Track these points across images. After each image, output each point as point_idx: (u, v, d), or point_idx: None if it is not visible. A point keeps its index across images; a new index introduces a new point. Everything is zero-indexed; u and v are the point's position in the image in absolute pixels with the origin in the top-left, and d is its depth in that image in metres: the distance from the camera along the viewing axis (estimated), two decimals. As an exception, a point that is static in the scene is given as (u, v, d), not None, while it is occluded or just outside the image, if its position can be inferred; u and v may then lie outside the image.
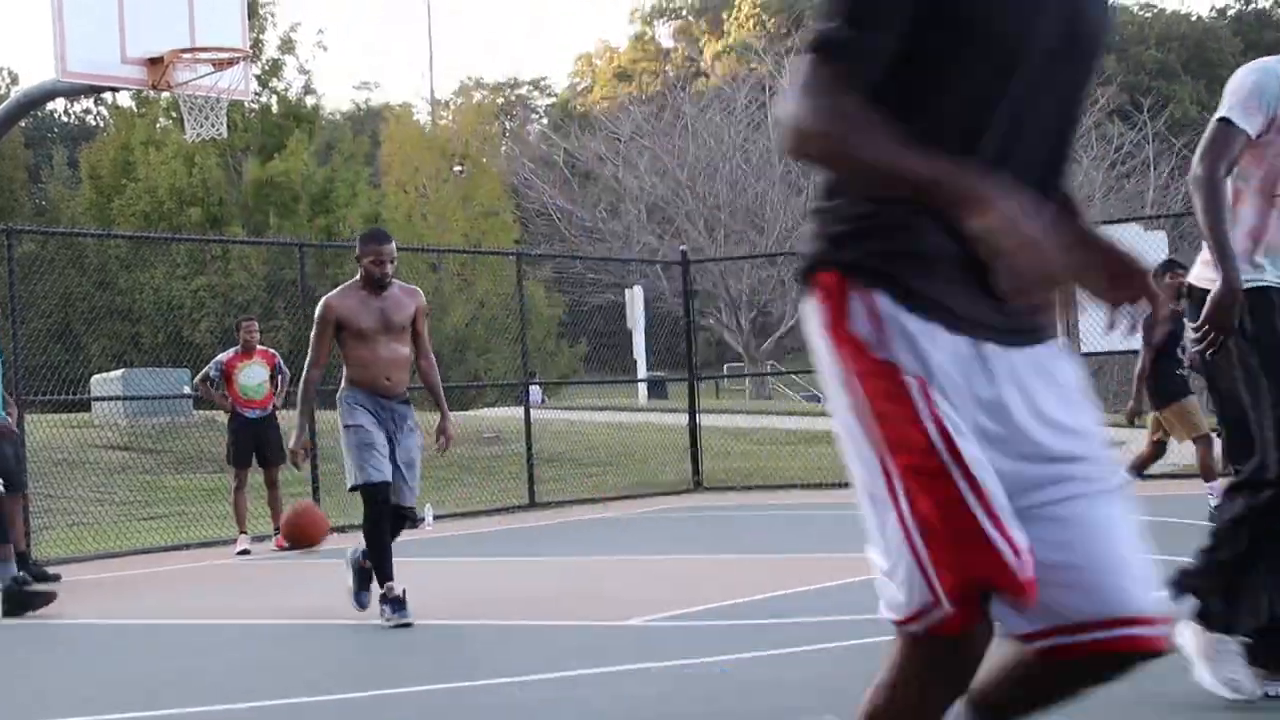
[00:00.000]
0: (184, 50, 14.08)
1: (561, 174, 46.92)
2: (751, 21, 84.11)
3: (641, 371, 35.94)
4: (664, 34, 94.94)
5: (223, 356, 14.82)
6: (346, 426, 8.76)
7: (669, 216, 44.49)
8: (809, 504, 17.34)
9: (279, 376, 14.85)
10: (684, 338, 21.93)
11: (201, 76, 14.39)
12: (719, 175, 43.56)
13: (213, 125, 14.34)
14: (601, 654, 7.47)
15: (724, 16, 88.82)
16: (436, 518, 16.39)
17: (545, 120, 76.76)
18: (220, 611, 10.35)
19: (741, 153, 43.92)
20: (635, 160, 44.63)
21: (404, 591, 8.71)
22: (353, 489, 8.85)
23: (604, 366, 47.85)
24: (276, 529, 14.25)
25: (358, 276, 8.98)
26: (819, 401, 45.42)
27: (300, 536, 13.34)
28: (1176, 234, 38.92)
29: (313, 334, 9.04)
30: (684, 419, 21.37)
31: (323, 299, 9.01)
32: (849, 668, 6.92)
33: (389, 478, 8.70)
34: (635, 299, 34.57)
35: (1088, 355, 19.26)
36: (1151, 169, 42.60)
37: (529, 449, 19.35)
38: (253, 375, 14.72)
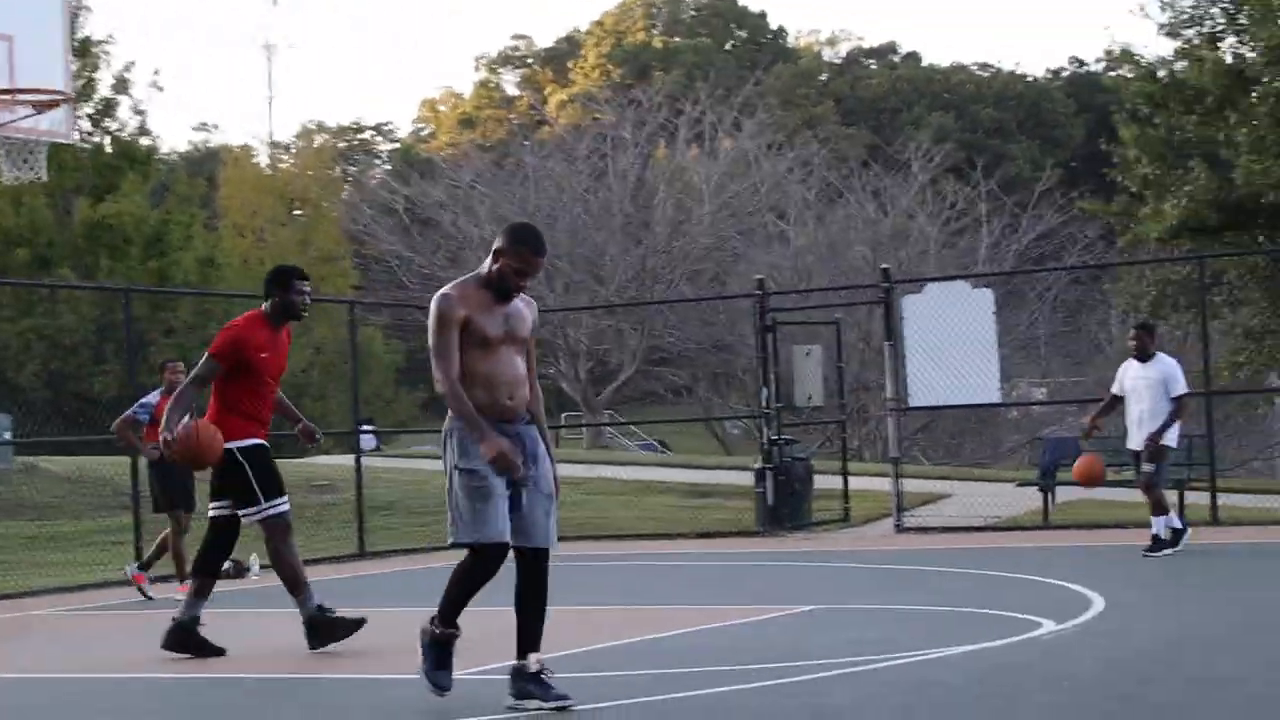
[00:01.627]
0: (2, 91, 13.68)
1: (401, 220, 46.69)
2: (597, 71, 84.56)
3: (478, 420, 35.76)
4: (509, 82, 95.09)
5: (150, 399, 14.08)
6: (458, 468, 7.23)
7: (509, 265, 44.42)
8: (641, 554, 17.36)
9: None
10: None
11: (21, 118, 13.96)
12: (559, 224, 43.63)
13: (31, 168, 13.95)
14: (427, 711, 7.39)
15: (569, 65, 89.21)
16: (264, 567, 16.14)
17: (388, 165, 76.40)
18: (37, 665, 10.08)
19: (582, 202, 44.04)
20: (476, 208, 44.56)
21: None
22: (459, 545, 7.37)
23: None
24: (182, 577, 13.84)
25: (481, 272, 7.34)
26: (656, 450, 45.66)
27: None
28: (1006, 290, 39.78)
29: (437, 337, 7.20)
30: (518, 468, 21.27)
31: (443, 293, 7.28)
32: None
33: (508, 537, 7.27)
34: (473, 347, 34.50)
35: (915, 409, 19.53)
36: (984, 226, 43.40)
37: (359, 497, 19.16)
38: None
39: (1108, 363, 40.53)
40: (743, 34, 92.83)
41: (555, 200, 44.15)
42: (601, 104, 52.57)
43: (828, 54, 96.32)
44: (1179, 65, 33.21)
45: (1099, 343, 41.97)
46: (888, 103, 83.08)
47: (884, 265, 22.51)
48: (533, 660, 7.37)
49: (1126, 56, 33.68)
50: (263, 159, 58.15)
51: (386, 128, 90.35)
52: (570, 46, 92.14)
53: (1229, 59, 32.52)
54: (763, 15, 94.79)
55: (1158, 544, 14.10)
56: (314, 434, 10.22)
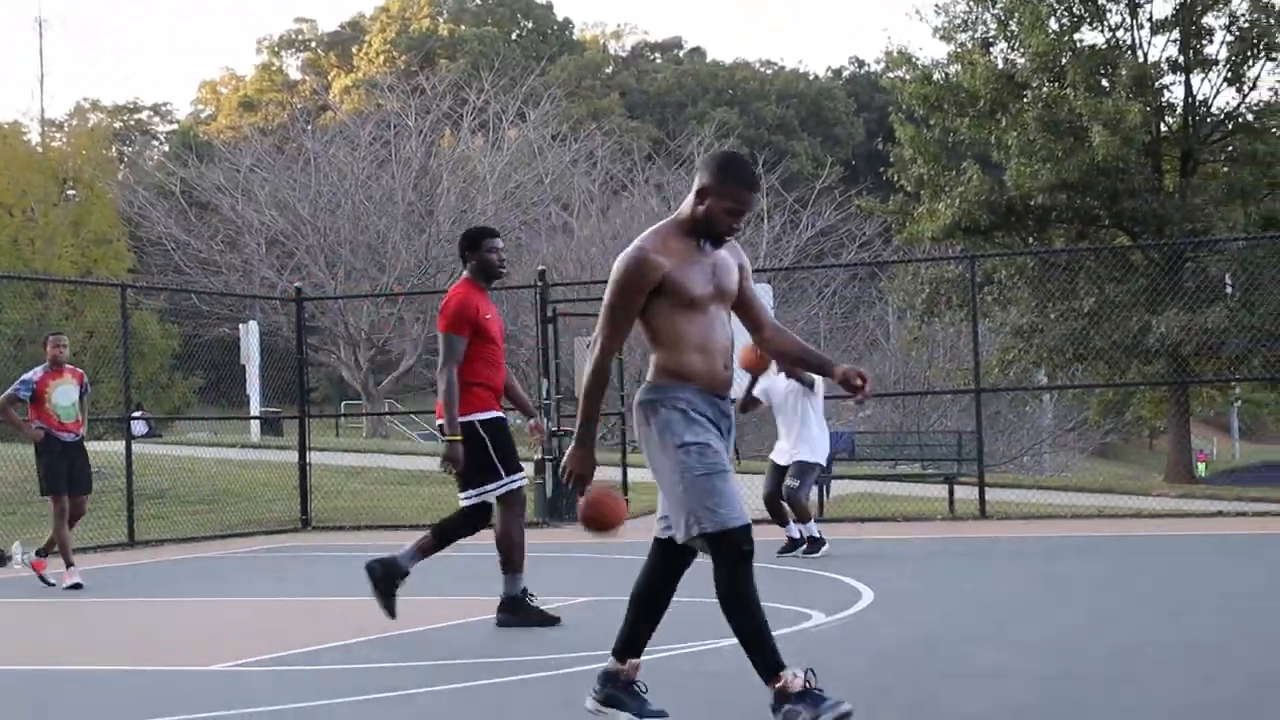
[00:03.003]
0: None
1: (179, 204, 45.74)
2: (382, 58, 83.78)
3: (255, 407, 35.30)
4: (292, 65, 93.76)
5: (31, 375, 13.34)
6: (682, 444, 5.92)
7: (289, 251, 43.82)
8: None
9: (84, 397, 13.55)
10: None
11: None
12: (341, 211, 43.14)
13: None
14: (183, 702, 7.27)
15: (354, 51, 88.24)
16: (25, 555, 15.70)
17: (166, 147, 74.79)
18: None
19: (365, 189, 43.61)
20: (256, 192, 43.85)
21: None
22: (700, 537, 5.95)
23: (220, 400, 46.79)
24: (69, 563, 13.34)
25: (682, 215, 6.07)
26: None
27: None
28: (786, 285, 40.36)
29: (617, 298, 5.97)
30: (296, 456, 21.07)
31: (637, 246, 5.99)
32: (434, 716, 6.91)
33: (749, 519, 5.99)
34: (250, 334, 33.98)
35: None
36: (765, 221, 43.93)
37: (129, 485, 18.76)
38: (66, 394, 13.36)
39: (885, 358, 41.43)
40: (529, 25, 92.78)
41: (337, 186, 43.64)
42: (386, 90, 52.10)
43: (614, 47, 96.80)
44: (953, 69, 34.06)
45: (876, 338, 42.80)
46: (672, 97, 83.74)
47: (665, 259, 22.62)
48: (790, 676, 5.90)
49: (903, 59, 34.44)
50: (34, 137, 56.48)
51: (165, 108, 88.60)
52: (355, 32, 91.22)
53: (1000, 64, 33.44)
54: (549, 7, 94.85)
55: (793, 544, 13.78)
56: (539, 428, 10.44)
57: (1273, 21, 32.43)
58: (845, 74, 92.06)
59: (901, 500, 21.63)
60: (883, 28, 62.92)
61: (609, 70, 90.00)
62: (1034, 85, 32.91)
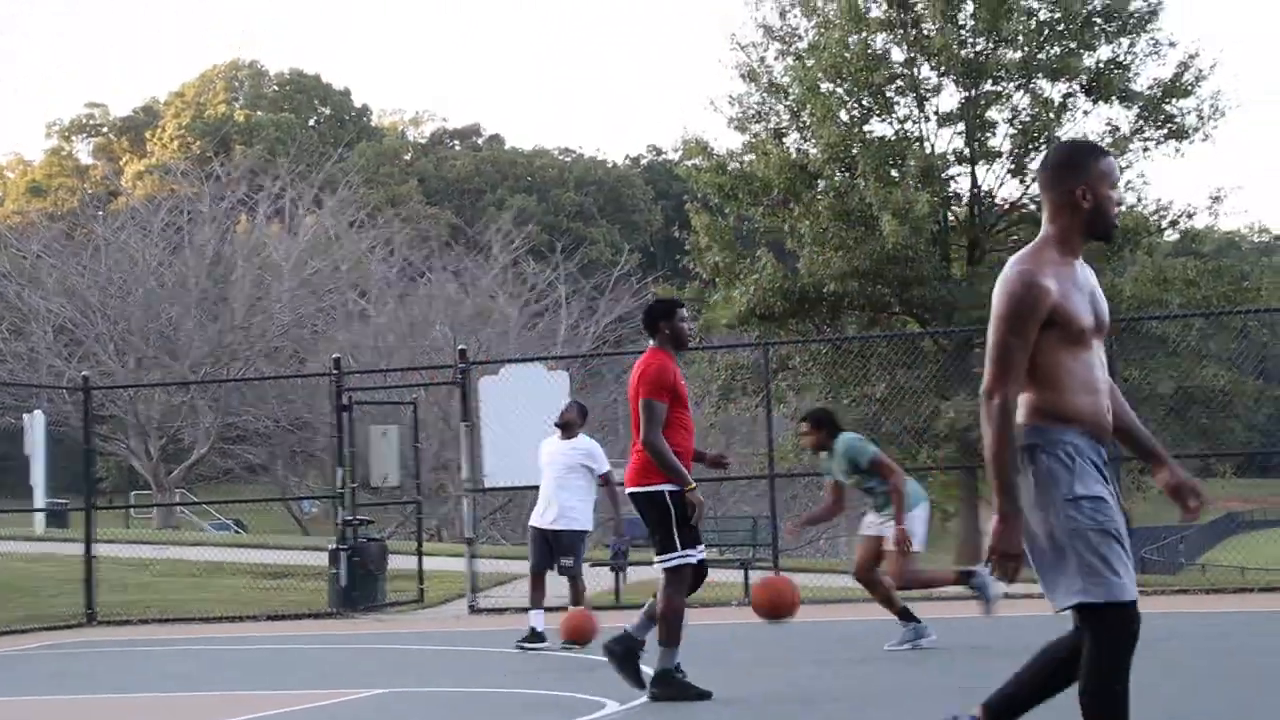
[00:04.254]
0: None
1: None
2: (176, 143, 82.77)
3: (39, 499, 34.36)
4: (83, 150, 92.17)
5: None
6: (1073, 498, 5.10)
7: (78, 339, 42.87)
8: (209, 638, 16.89)
9: None
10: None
11: None
12: (132, 298, 42.34)
13: None
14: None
15: (148, 136, 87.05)
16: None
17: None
18: None
19: (157, 275, 42.90)
20: (44, 279, 42.88)
21: None
22: (1081, 607, 5.09)
23: (3, 493, 45.44)
24: None
25: (1049, 233, 5.42)
26: (230, 530, 44.54)
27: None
28: (584, 372, 40.47)
29: (1013, 331, 5.16)
30: (82, 548, 20.50)
31: (1024, 269, 5.26)
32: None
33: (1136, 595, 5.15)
34: (35, 424, 33.15)
35: (492, 490, 19.64)
36: (564, 308, 44.13)
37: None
38: None
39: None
40: (326, 111, 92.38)
41: (128, 273, 42.86)
42: (179, 176, 51.40)
43: (412, 134, 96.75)
44: (747, 158, 34.59)
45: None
46: (471, 184, 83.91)
47: (461, 346, 22.60)
48: None
49: (699, 148, 34.88)
50: None
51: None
52: (148, 116, 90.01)
53: (793, 154, 34.07)
54: (346, 93, 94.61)
55: (538, 636, 13.48)
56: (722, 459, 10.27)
57: (1052, 115, 33.50)
58: (644, 162, 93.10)
59: (710, 586, 21.65)
60: (680, 117, 63.70)
61: (407, 157, 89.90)
62: (826, 175, 33.56)
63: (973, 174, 34.84)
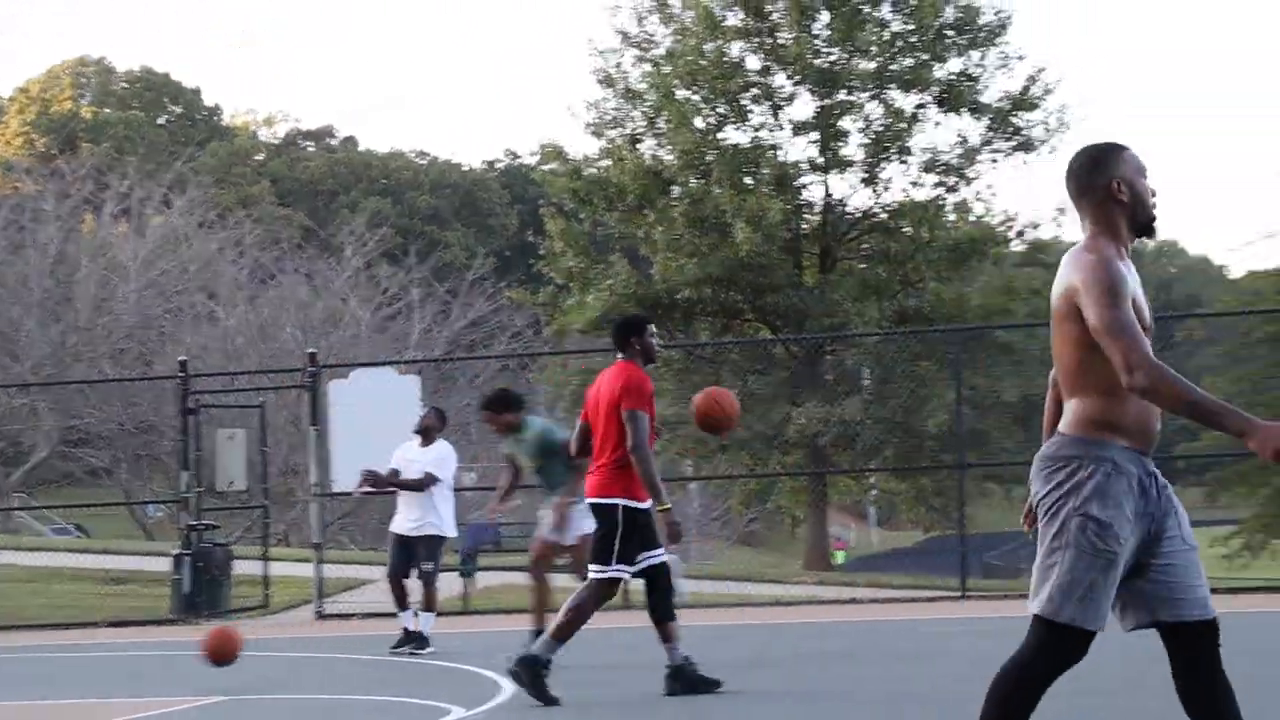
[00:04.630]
0: None
1: None
2: (20, 140, 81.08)
3: None
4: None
5: None
6: (1085, 515, 4.93)
7: (-87, 340, 41.75)
8: (47, 645, 16.50)
9: None
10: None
11: None
12: (-31, 298, 41.35)
13: None
14: None
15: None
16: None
17: None
18: None
19: (-3, 275, 41.93)
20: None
21: None
22: (1042, 619, 5.02)
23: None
24: None
25: (1096, 230, 5.06)
26: (71, 535, 43.60)
27: None
28: (437, 376, 40.20)
29: (1114, 307, 4.84)
30: (-86, 555, 19.96)
31: (1109, 255, 4.93)
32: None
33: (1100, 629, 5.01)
34: None
35: (339, 495, 19.41)
36: (417, 311, 43.79)
37: None
38: None
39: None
40: (177, 109, 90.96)
41: (-33, 273, 41.84)
42: (23, 173, 50.32)
43: (264, 134, 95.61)
44: (603, 164, 34.63)
45: (528, 429, 42.88)
46: (325, 185, 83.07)
47: (311, 349, 22.31)
48: None
49: (555, 153, 34.86)
50: None
51: None
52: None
53: (649, 160, 34.15)
54: (197, 92, 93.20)
55: (412, 639, 13.38)
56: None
57: (904, 126, 33.89)
58: (500, 166, 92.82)
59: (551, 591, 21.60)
60: (537, 121, 63.66)
61: (260, 157, 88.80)
62: (681, 181, 33.69)
63: (826, 182, 35.16)
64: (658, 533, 9.71)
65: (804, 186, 35.01)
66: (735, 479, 35.35)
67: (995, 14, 34.36)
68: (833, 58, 33.87)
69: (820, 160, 34.80)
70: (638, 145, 34.78)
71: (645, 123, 34.93)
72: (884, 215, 35.35)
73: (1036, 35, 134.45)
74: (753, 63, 34.46)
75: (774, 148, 34.66)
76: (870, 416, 31.24)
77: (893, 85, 33.79)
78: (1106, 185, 5.00)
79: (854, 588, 20.43)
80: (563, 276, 34.43)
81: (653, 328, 10.12)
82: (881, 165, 34.61)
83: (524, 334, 44.18)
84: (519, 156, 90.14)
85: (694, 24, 33.80)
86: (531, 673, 9.33)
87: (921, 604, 18.42)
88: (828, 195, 35.26)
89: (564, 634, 9.49)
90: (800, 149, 34.88)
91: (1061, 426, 5.04)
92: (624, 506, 9.53)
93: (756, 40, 34.11)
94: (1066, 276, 4.94)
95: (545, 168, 35.48)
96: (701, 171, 33.54)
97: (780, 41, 33.82)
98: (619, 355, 9.89)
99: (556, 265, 34.41)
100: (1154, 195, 5.04)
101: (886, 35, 33.67)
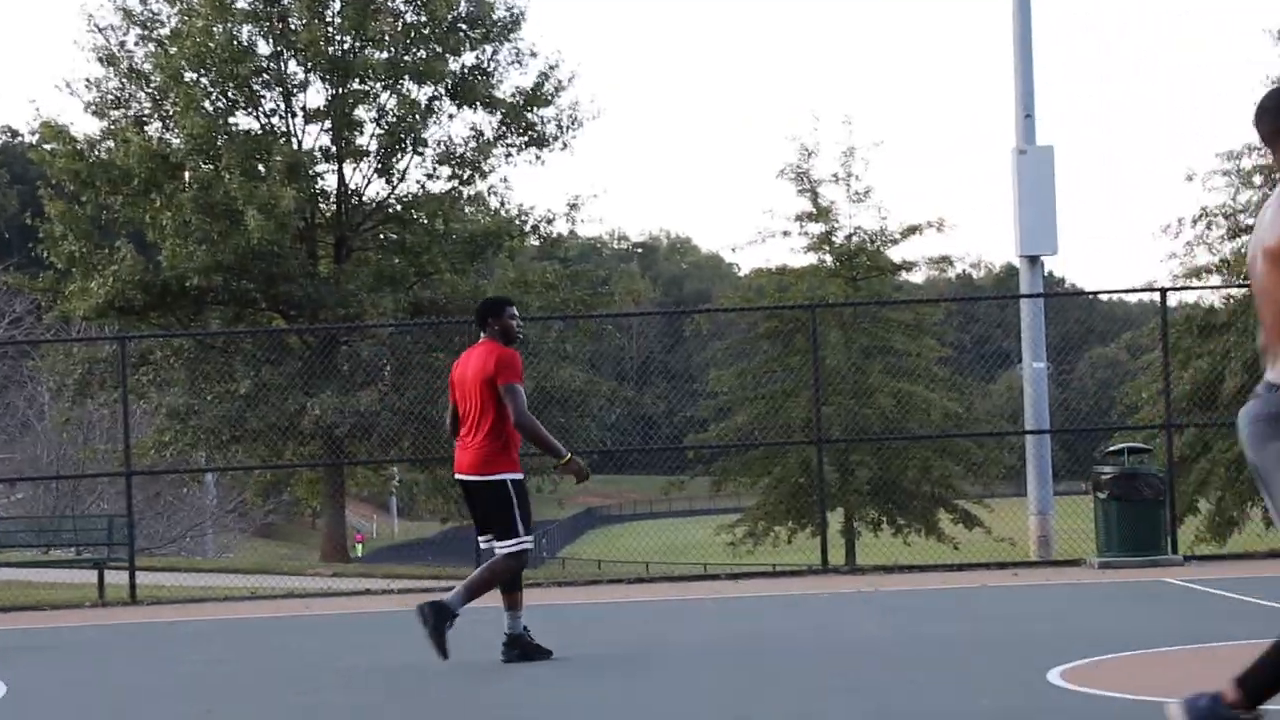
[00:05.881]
0: None
1: None
2: None
3: None
4: None
5: None
6: None
7: None
8: None
9: None
10: None
11: None
12: None
13: None
14: None
15: None
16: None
17: None
18: None
19: None
20: None
21: None
22: None
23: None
24: None
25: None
26: None
27: None
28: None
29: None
30: None
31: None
32: None
33: None
34: None
35: None
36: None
37: None
38: None
39: (38, 440, 39.77)
40: None
41: None
42: None
43: None
44: (107, 145, 33.39)
45: (29, 420, 41.13)
46: None
47: None
48: None
49: (54, 132, 33.40)
50: None
51: None
52: None
53: (155, 144, 33.13)
54: None
55: None
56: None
57: (418, 117, 33.95)
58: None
59: (52, 588, 20.86)
60: (32, 99, 60.10)
61: None
62: (190, 166, 32.84)
63: (340, 172, 34.89)
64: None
65: (318, 175, 34.65)
66: (250, 469, 34.68)
67: (508, 10, 34.83)
68: (346, 46, 33.65)
69: (334, 149, 34.53)
70: (144, 127, 33.71)
71: (152, 105, 33.90)
72: (399, 206, 35.35)
73: (557, 32, 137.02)
74: (264, 48, 33.89)
75: (287, 135, 34.20)
76: (388, 407, 31.24)
77: (407, 76, 33.77)
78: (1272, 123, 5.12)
79: (371, 579, 20.41)
80: (64, 261, 33.04)
81: (513, 309, 10.35)
82: (396, 156, 34.60)
83: (24, 320, 42.24)
84: (18, 134, 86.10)
85: (201, 5, 32.92)
86: (437, 620, 9.72)
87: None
88: (342, 185, 35.01)
89: (474, 594, 9.92)
90: (314, 137, 34.53)
91: (1272, 375, 5.08)
92: (510, 480, 9.90)
93: (267, 25, 33.56)
94: None
95: (45, 147, 33.91)
96: (211, 157, 32.77)
97: (292, 27, 33.36)
98: (482, 334, 10.20)
99: (57, 250, 32.99)
100: None
101: (400, 26, 33.64)
